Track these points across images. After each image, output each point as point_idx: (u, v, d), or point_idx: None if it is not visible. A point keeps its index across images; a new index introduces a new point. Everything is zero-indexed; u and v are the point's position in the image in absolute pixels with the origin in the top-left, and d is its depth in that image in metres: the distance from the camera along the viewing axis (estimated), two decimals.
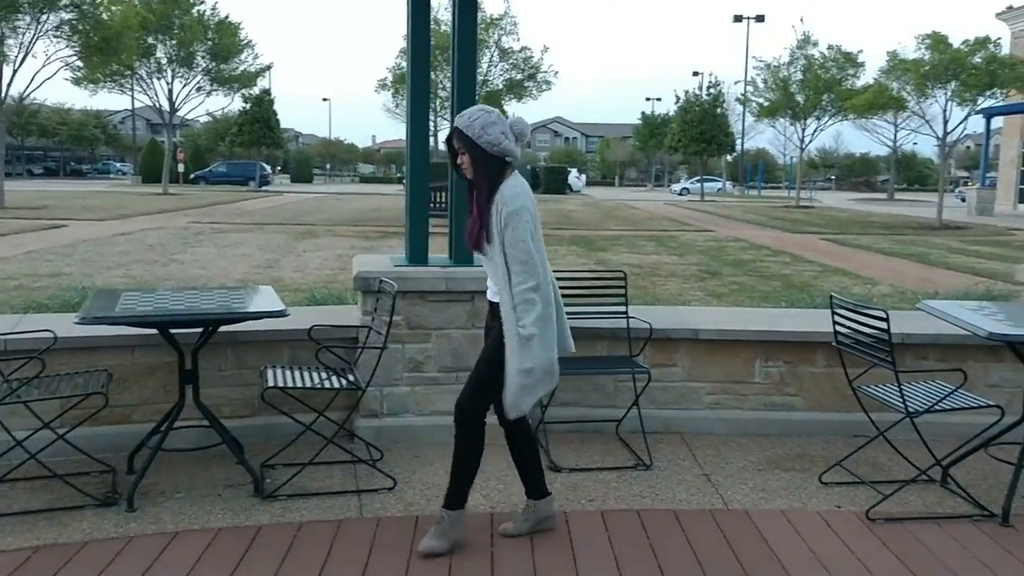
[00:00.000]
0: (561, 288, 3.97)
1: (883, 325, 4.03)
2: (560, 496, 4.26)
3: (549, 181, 52.83)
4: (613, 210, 34.34)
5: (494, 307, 3.75)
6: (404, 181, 5.65)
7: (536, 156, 79.33)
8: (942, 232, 24.12)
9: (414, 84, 5.24)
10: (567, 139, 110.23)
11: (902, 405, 4.11)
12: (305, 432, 4.42)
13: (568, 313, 3.95)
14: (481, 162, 3.58)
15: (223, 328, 4.50)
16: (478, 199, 3.62)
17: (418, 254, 5.35)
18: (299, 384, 4.30)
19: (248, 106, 44.96)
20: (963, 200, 43.31)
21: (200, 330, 4.37)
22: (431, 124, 47.34)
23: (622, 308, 5.22)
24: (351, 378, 4.45)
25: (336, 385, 4.33)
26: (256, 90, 43.68)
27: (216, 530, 3.87)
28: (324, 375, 4.44)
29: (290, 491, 4.27)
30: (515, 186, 3.60)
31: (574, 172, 55.36)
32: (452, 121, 3.88)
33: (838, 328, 4.48)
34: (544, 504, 3.93)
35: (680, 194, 59.47)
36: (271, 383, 4.27)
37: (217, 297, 4.50)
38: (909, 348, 5.33)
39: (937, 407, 4.14)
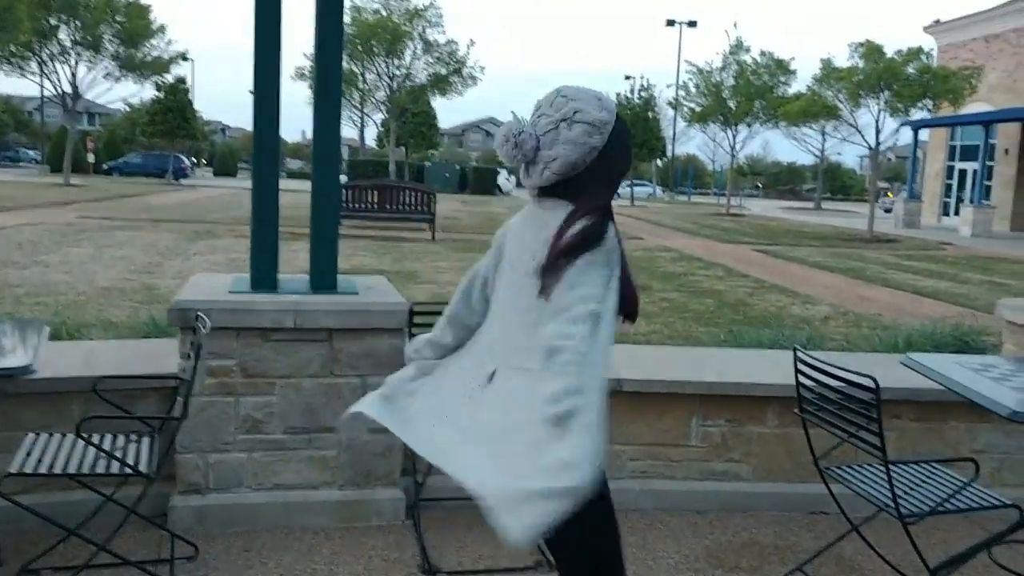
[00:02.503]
0: None
1: (870, 396, 2.96)
2: None
3: (477, 182, 51.39)
4: None
5: None
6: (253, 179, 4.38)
7: (468, 156, 77.55)
8: (874, 245, 23.62)
9: (259, 54, 3.99)
10: None
11: (893, 506, 3.03)
12: (92, 518, 3.17)
13: None
14: None
15: None
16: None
17: (263, 277, 4.11)
18: (57, 469, 3.03)
19: (161, 95, 42.61)
20: (888, 211, 43.44)
21: None
22: (359, 117, 45.51)
23: None
24: (142, 460, 3.19)
25: (113, 470, 3.07)
26: (170, 78, 41.40)
27: None
28: (104, 453, 3.18)
29: None
30: None
31: (504, 173, 53.56)
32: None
33: (803, 392, 3.39)
34: None
35: None
36: (14, 467, 2.99)
37: None
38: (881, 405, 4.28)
39: (940, 508, 3.07)
